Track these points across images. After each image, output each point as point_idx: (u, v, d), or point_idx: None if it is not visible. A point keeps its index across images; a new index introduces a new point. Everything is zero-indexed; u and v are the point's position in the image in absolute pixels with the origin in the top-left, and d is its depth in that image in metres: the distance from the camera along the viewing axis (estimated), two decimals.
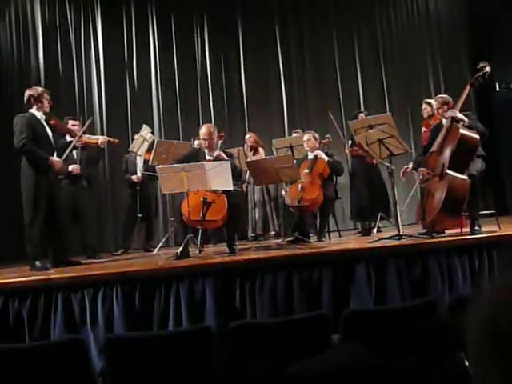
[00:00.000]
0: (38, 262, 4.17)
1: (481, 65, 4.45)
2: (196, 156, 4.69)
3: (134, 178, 5.91)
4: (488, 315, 0.58)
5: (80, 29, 7.24)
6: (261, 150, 6.33)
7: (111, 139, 5.19)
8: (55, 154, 4.48)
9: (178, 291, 3.44)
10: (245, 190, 6.20)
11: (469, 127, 4.22)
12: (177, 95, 7.46)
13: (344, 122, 7.19)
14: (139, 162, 5.97)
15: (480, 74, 4.41)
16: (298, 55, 7.85)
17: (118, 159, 6.41)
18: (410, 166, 4.68)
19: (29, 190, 4.27)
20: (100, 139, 4.96)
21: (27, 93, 4.47)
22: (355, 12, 7.97)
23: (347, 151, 6.02)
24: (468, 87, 4.44)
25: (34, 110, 4.44)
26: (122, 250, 5.84)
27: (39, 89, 4.57)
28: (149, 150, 5.65)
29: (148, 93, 7.38)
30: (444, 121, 4.49)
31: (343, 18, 7.94)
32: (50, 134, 4.48)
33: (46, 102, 4.47)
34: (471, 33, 7.85)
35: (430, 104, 5.47)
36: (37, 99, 4.42)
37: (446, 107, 4.47)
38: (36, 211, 4.24)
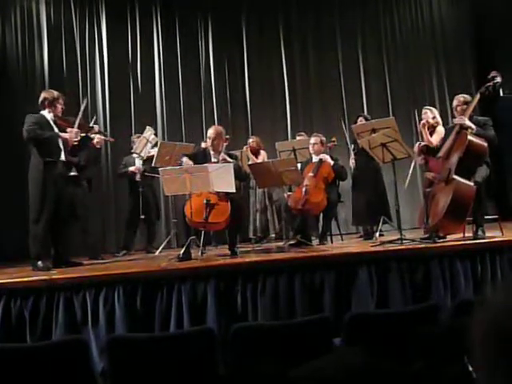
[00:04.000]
0: (40, 262, 4.18)
1: (492, 75, 4.40)
2: (204, 155, 4.70)
3: (132, 169, 5.90)
4: (493, 317, 0.58)
5: (85, 30, 7.27)
6: (263, 152, 6.34)
7: (106, 138, 5.18)
8: (62, 155, 4.48)
9: (180, 293, 3.44)
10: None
11: (477, 135, 4.20)
12: (180, 97, 7.47)
13: (347, 125, 7.20)
14: (138, 163, 5.96)
15: (491, 83, 4.37)
16: (301, 59, 7.85)
17: (120, 160, 6.42)
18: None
19: (37, 185, 4.29)
20: (96, 139, 4.96)
21: (43, 95, 4.53)
22: (359, 16, 7.98)
23: (352, 162, 5.93)
24: (478, 96, 4.40)
25: (45, 112, 4.49)
26: (124, 251, 5.84)
27: (55, 93, 4.59)
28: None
29: (152, 94, 7.40)
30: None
31: (347, 21, 7.95)
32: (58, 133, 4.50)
33: (59, 107, 4.52)
34: (475, 37, 7.85)
35: (430, 111, 5.41)
36: (51, 103, 4.48)
37: (465, 106, 4.43)
38: (42, 208, 4.26)
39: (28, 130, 4.29)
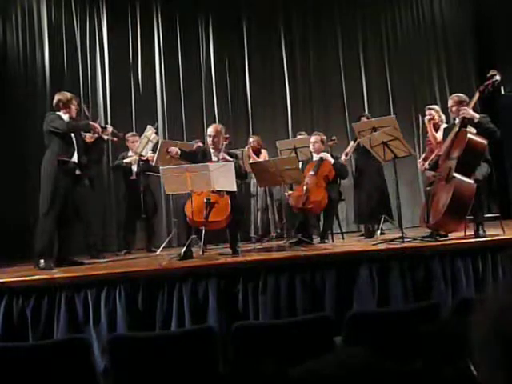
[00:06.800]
0: (42, 261, 4.20)
1: (491, 73, 4.41)
2: (203, 154, 4.71)
3: (127, 160, 5.89)
4: (493, 317, 0.58)
5: (85, 29, 7.27)
6: (264, 151, 6.34)
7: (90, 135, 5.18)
8: (75, 155, 4.56)
9: (181, 292, 3.45)
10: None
11: (479, 126, 4.20)
12: (181, 96, 7.47)
13: (348, 124, 7.20)
14: (133, 164, 5.96)
15: (490, 82, 4.38)
16: (302, 57, 7.84)
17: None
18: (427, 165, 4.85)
19: (49, 180, 4.37)
20: (87, 136, 4.98)
21: (56, 97, 4.65)
22: (360, 15, 7.97)
23: (343, 158, 5.91)
24: (477, 94, 4.40)
25: (61, 113, 4.59)
26: (125, 250, 5.85)
27: (68, 94, 4.71)
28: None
29: (152, 94, 7.39)
30: (457, 120, 4.47)
31: (348, 20, 7.94)
32: (72, 135, 4.58)
33: (73, 108, 4.65)
34: (477, 36, 7.83)
35: (435, 110, 5.43)
36: (65, 104, 4.60)
37: (460, 106, 4.44)
38: (53, 202, 4.33)
39: (62, 124, 4.43)
